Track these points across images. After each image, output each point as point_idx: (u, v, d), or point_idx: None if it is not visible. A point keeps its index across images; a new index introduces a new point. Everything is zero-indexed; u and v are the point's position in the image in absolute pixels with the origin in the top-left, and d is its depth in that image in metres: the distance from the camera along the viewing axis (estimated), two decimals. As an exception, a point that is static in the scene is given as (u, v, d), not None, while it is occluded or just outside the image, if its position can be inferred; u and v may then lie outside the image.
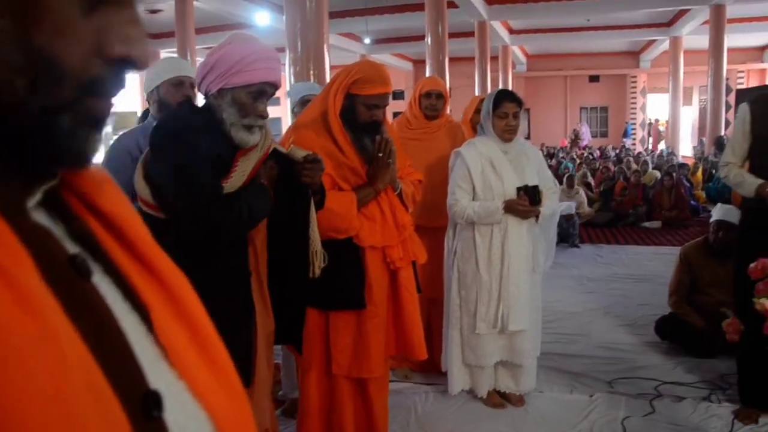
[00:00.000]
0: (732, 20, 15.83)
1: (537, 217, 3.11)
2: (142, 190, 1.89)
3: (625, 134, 25.66)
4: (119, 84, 0.47)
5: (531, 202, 3.02)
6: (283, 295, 2.19)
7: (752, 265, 2.28)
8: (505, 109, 3.07)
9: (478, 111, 3.91)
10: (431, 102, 3.63)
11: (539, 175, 3.21)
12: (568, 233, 7.93)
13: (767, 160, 2.98)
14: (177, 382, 0.48)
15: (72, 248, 0.46)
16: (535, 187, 3.03)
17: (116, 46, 0.44)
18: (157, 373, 0.46)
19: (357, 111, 2.38)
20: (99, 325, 0.43)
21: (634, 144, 24.84)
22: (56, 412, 0.35)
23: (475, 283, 3.12)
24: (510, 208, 3.03)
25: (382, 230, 2.44)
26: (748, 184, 3.00)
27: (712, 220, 4.15)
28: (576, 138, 24.29)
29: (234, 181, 1.90)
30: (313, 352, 2.52)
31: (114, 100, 0.48)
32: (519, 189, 3.04)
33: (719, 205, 4.41)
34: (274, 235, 2.14)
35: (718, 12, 15.05)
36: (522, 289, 3.10)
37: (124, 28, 0.45)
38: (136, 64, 0.47)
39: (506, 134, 3.11)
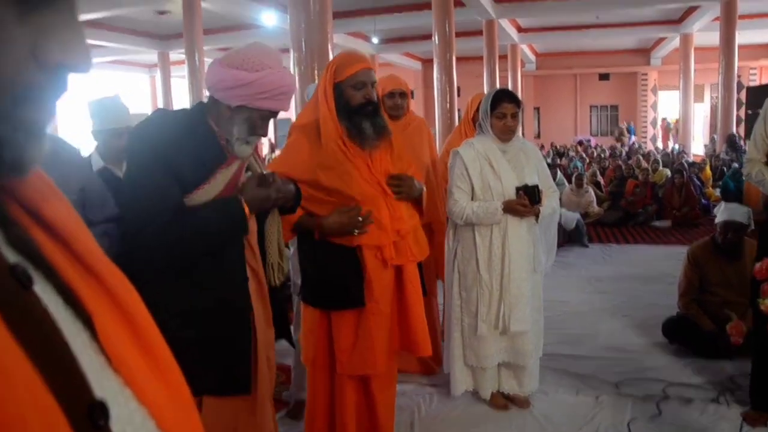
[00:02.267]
0: (743, 16, 15.68)
1: (537, 216, 3.08)
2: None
3: (629, 132, 25.54)
4: (59, 90, 0.46)
5: (531, 201, 2.99)
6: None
7: (758, 264, 2.24)
8: (503, 110, 3.04)
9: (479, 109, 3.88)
10: (395, 101, 3.60)
11: (538, 173, 3.18)
12: (577, 235, 7.90)
13: None
14: (123, 391, 0.47)
15: (12, 256, 0.45)
16: (535, 187, 3.01)
17: (53, 52, 0.43)
18: (103, 383, 0.45)
19: (348, 97, 2.39)
20: (41, 335, 0.42)
21: (643, 140, 24.67)
22: None
23: (475, 284, 3.09)
24: (509, 208, 3.00)
25: (377, 232, 2.42)
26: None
27: (718, 220, 4.09)
28: (621, 135, 24.18)
29: (210, 189, 1.89)
30: (318, 352, 2.53)
31: (55, 105, 0.46)
32: (518, 189, 3.01)
33: (724, 204, 4.35)
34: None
35: (728, 8, 14.91)
36: (523, 290, 3.07)
37: (61, 33, 0.43)
38: (75, 69, 0.45)
39: (504, 134, 3.09)
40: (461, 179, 3.11)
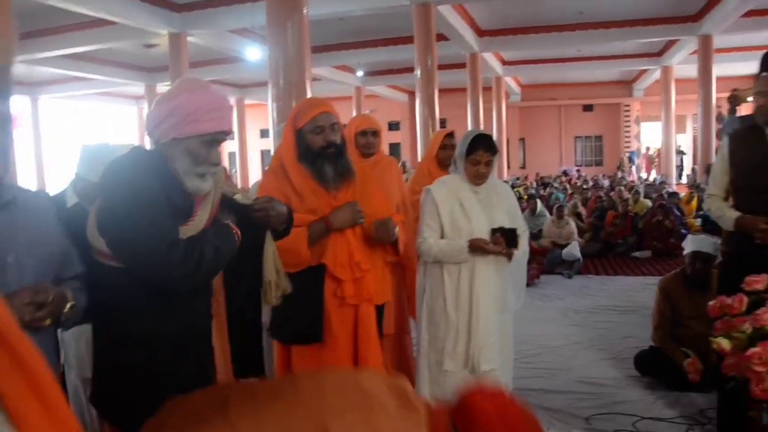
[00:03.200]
0: (720, 50, 16.05)
1: (510, 257, 3.09)
2: (96, 240, 1.85)
3: (631, 161, 25.86)
4: None
5: (508, 244, 2.98)
6: (239, 325, 2.19)
7: (711, 303, 2.28)
8: (477, 157, 3.02)
9: (443, 147, 3.93)
10: (367, 140, 3.65)
11: (510, 214, 3.18)
12: (567, 265, 8.08)
13: (747, 192, 2.99)
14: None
15: None
16: (513, 230, 3.00)
17: None
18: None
19: (309, 141, 2.48)
20: None
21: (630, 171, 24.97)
22: None
23: (442, 321, 3.10)
24: (475, 247, 3.00)
25: (333, 264, 2.48)
26: (727, 218, 3.00)
27: (686, 251, 4.14)
28: (622, 165, 24.49)
29: (196, 224, 1.88)
30: None
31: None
32: (495, 230, 3.00)
33: (690, 236, 4.41)
34: (232, 269, 2.15)
35: (705, 42, 15.28)
36: (491, 329, 3.07)
37: None
38: None
39: (476, 180, 3.08)
40: (431, 217, 3.10)
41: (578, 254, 8.26)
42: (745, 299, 2.21)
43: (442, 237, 3.11)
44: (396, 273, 3.46)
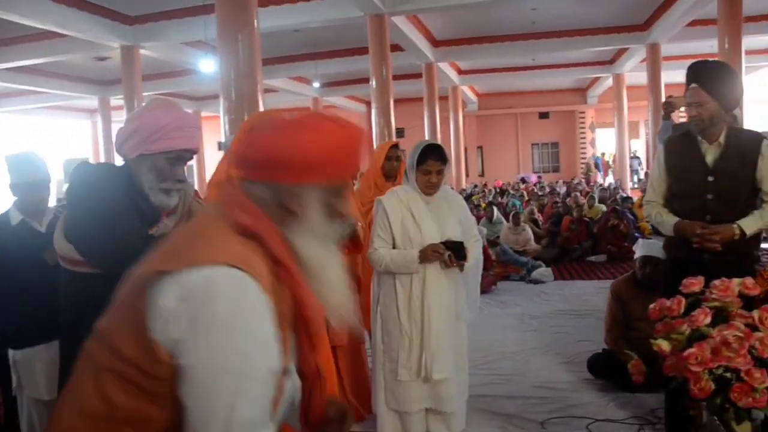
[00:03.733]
0: (668, 58, 16.52)
1: (461, 268, 3.10)
2: (64, 247, 1.88)
3: (597, 167, 26.21)
4: None
5: (456, 257, 2.98)
6: None
7: (651, 306, 2.33)
8: (428, 167, 3.04)
9: (388, 158, 3.96)
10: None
11: (462, 222, 3.20)
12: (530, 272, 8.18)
13: (684, 198, 3.08)
14: None
15: None
16: (460, 243, 3.01)
17: None
18: None
19: None
20: None
21: (582, 177, 25.40)
22: None
23: (395, 330, 3.11)
24: (426, 256, 3.00)
25: None
26: (666, 223, 3.08)
27: (636, 256, 4.24)
28: (588, 172, 24.76)
29: (162, 230, 1.91)
30: None
31: None
32: (443, 244, 3.00)
33: (641, 241, 4.51)
34: None
35: (653, 50, 15.73)
36: (444, 338, 3.08)
37: None
38: None
39: (427, 190, 3.10)
40: (382, 228, 3.12)
41: (550, 278, 8.29)
42: (684, 301, 2.27)
43: (394, 247, 3.12)
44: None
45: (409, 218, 3.10)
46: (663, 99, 15.81)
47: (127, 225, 1.82)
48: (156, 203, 1.90)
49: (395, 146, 4.07)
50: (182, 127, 1.87)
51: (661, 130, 4.73)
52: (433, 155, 3.04)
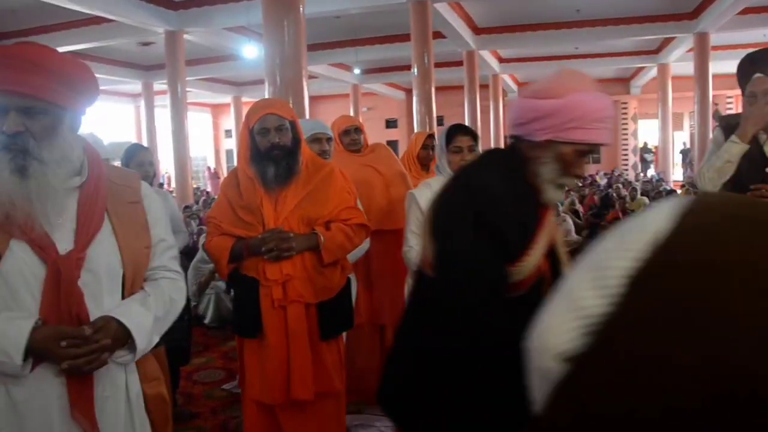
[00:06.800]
0: (716, 47, 16.08)
1: None
2: (426, 242, 1.65)
3: (643, 160, 25.56)
4: None
5: None
6: None
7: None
8: (458, 143, 2.91)
9: (425, 147, 3.98)
10: (351, 137, 3.81)
11: None
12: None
13: (736, 182, 3.00)
14: None
15: None
16: None
17: None
18: None
19: (257, 143, 2.60)
20: None
21: (624, 168, 24.98)
22: None
23: None
24: None
25: (257, 273, 2.61)
26: (726, 146, 2.89)
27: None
28: (645, 153, 24.18)
29: (529, 263, 1.58)
30: (241, 378, 2.82)
31: None
32: None
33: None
34: None
35: (702, 40, 15.28)
36: None
37: None
38: None
39: None
40: (416, 223, 2.91)
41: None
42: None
43: None
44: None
45: None
46: (710, 90, 15.51)
47: (482, 268, 1.50)
48: (547, 197, 1.63)
49: (431, 136, 4.10)
50: (606, 117, 1.59)
51: (719, 121, 4.63)
52: (460, 131, 2.95)
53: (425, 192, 2.93)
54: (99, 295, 1.55)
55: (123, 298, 1.61)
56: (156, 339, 1.64)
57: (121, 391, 1.61)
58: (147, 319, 1.59)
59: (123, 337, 1.54)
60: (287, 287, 2.58)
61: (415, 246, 2.89)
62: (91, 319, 1.52)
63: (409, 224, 2.99)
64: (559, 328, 1.05)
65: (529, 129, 1.58)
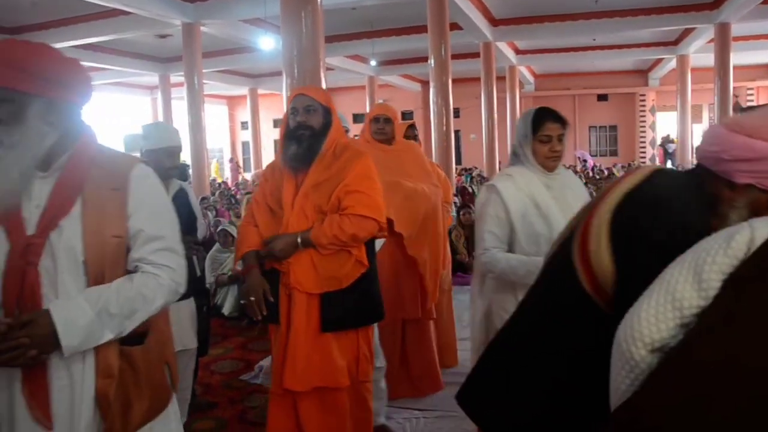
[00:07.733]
0: (737, 38, 15.85)
1: None
2: (598, 259, 1.41)
3: (666, 154, 24.98)
4: None
5: None
6: None
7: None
8: (547, 131, 2.50)
9: (405, 137, 4.05)
10: (379, 126, 3.76)
11: None
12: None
13: None
14: None
15: None
16: None
17: None
18: None
19: (287, 122, 2.72)
20: None
21: (642, 160, 24.72)
22: None
23: None
24: None
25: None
26: None
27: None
28: (667, 143, 23.69)
29: None
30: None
31: None
32: None
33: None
34: None
35: (722, 30, 15.06)
36: None
37: None
38: None
39: (550, 162, 2.53)
40: (497, 222, 2.51)
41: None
42: None
43: (513, 247, 2.53)
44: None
45: (533, 209, 2.48)
46: (731, 82, 15.30)
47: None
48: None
49: (413, 126, 4.31)
50: None
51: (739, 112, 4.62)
52: (550, 118, 2.52)
53: (509, 186, 2.53)
54: (56, 281, 1.55)
55: (88, 287, 1.58)
56: (108, 335, 1.56)
57: (78, 383, 1.58)
58: (83, 314, 1.52)
59: (54, 332, 1.50)
60: (287, 274, 2.60)
61: (491, 249, 2.51)
62: (45, 305, 1.53)
63: (486, 222, 2.55)
64: (656, 319, 1.14)
65: (732, 168, 1.36)
